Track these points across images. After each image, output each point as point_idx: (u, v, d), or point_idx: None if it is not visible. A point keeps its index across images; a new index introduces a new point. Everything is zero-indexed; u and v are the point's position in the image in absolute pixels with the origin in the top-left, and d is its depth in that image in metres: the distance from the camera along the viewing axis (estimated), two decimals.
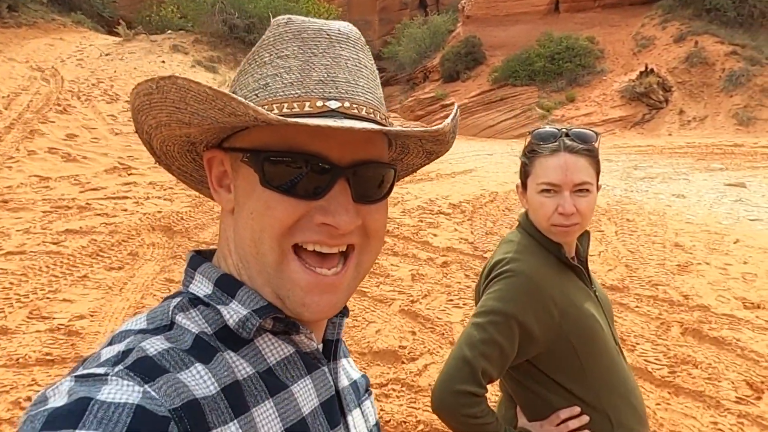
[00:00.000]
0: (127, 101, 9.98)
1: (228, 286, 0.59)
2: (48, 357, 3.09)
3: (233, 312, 0.57)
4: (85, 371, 0.49)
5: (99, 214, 5.56)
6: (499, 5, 24.29)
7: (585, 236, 1.42)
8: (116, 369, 0.49)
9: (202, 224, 5.53)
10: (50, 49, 13.37)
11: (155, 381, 0.48)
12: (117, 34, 15.55)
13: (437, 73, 24.67)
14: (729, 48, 17.54)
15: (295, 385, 0.60)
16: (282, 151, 0.56)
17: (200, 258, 0.63)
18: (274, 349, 0.60)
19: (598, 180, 1.32)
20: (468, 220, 6.29)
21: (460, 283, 4.43)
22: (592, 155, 1.29)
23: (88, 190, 6.36)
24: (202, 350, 0.54)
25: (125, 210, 5.78)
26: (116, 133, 8.65)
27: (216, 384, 0.53)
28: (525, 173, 1.34)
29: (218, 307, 0.58)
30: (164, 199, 6.32)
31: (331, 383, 0.65)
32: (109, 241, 4.86)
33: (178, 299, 0.58)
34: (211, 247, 0.68)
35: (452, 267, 4.77)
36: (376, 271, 4.51)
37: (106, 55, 13.22)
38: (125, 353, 0.51)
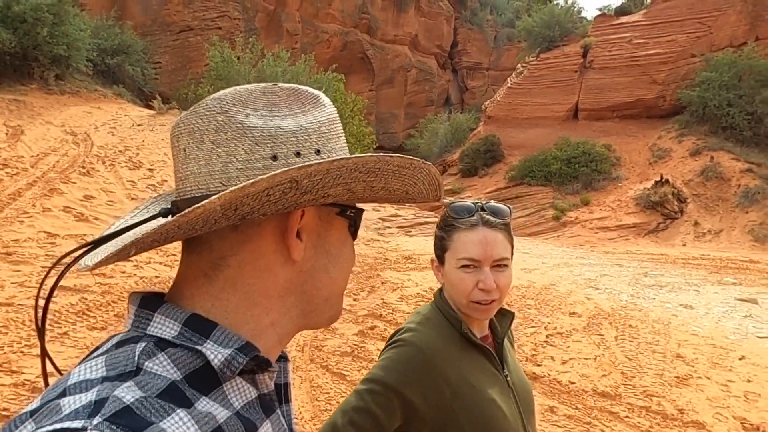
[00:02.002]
0: (149, 169, 10.35)
1: (200, 326, 0.57)
2: (4, 412, 3.01)
3: (217, 351, 0.55)
4: (58, 426, 0.45)
5: (96, 274, 5.59)
6: (520, 108, 25.23)
7: (507, 316, 1.36)
8: (95, 421, 0.45)
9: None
10: (87, 116, 14.10)
11: None
12: (153, 108, 16.41)
13: (456, 167, 25.27)
14: (744, 165, 17.77)
15: (260, 428, 0.59)
16: (361, 209, 0.68)
17: (155, 298, 0.60)
18: (239, 392, 0.58)
19: (512, 255, 1.30)
20: None
21: None
22: (508, 230, 1.28)
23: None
24: (176, 397, 0.51)
25: (123, 272, 5.82)
26: (132, 198, 8.89)
27: (200, 431, 0.51)
28: (442, 248, 1.30)
29: (197, 347, 0.55)
30: (164, 265, 6.36)
31: (286, 426, 0.66)
32: (99, 301, 4.86)
33: (143, 344, 0.54)
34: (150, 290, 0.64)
35: None
36: (360, 355, 4.40)
37: (138, 125, 13.87)
38: (98, 403, 0.47)
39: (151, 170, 10.32)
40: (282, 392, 0.69)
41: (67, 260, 0.61)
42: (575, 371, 4.59)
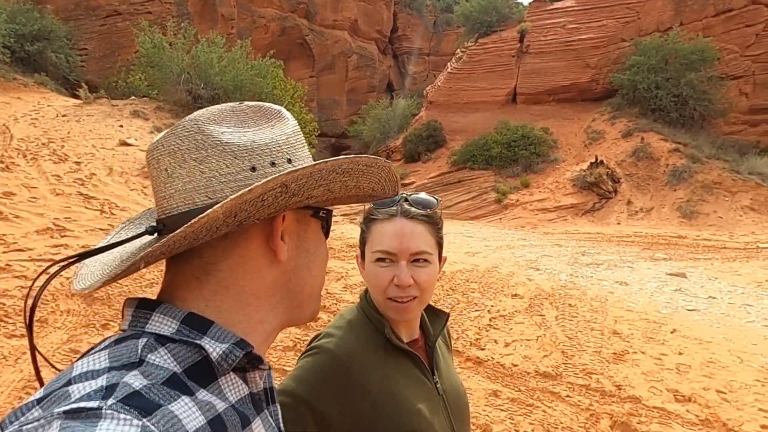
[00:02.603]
0: (76, 162, 9.78)
1: (197, 323, 0.61)
2: None
3: (215, 345, 0.59)
4: (74, 406, 0.48)
5: (17, 277, 5.22)
6: (461, 93, 25.48)
7: (441, 317, 1.26)
8: (109, 402, 0.48)
9: (127, 292, 5.24)
10: (5, 106, 13.18)
11: (152, 415, 0.49)
12: (79, 97, 15.52)
13: (399, 153, 25.31)
14: (672, 145, 18.62)
15: (253, 423, 0.63)
16: (331, 209, 0.76)
17: (152, 300, 0.63)
18: (234, 388, 0.62)
19: (441, 251, 1.19)
20: None
21: None
22: (432, 222, 1.16)
23: (13, 250, 6.01)
24: (179, 386, 0.55)
25: (48, 273, 5.45)
26: (57, 194, 8.36)
27: (203, 416, 0.55)
28: (362, 241, 1.20)
29: (197, 341, 0.59)
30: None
31: (274, 425, 0.69)
32: (20, 305, 4.53)
33: (144, 339, 0.58)
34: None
35: None
36: (303, 348, 4.29)
37: (63, 116, 13.08)
38: (110, 388, 0.50)
39: (78, 163, 9.75)
40: (268, 395, 0.72)
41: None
42: (518, 353, 4.65)
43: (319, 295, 0.76)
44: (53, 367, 0.67)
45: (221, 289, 0.64)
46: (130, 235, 0.69)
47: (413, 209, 1.14)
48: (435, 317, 1.26)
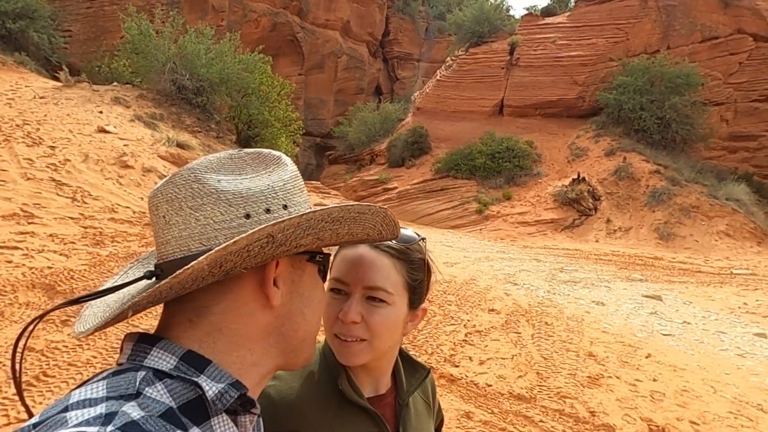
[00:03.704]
0: (50, 146, 9.47)
1: (196, 361, 0.62)
2: None
3: (211, 384, 0.60)
4: (73, 430, 0.50)
5: None
6: (449, 101, 25.50)
7: (418, 372, 1.11)
8: (108, 429, 0.50)
9: (93, 286, 5.03)
10: None
11: None
12: (59, 79, 15.11)
13: (384, 157, 25.22)
14: (653, 167, 18.83)
15: None
16: (328, 253, 0.77)
17: (153, 335, 0.65)
18: (225, 429, 0.62)
19: (414, 297, 1.02)
20: None
21: None
22: (404, 259, 1.00)
23: None
24: (175, 421, 0.56)
25: (9, 262, 5.22)
26: (28, 178, 8.07)
27: None
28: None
29: (194, 378, 0.59)
30: (60, 254, 5.78)
31: None
32: None
33: (143, 372, 0.59)
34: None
35: None
36: None
37: (41, 98, 12.70)
38: (109, 415, 0.52)
39: (52, 147, 9.45)
40: None
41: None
42: (492, 372, 4.56)
43: (314, 340, 0.76)
44: (27, 410, 0.65)
45: (214, 332, 0.64)
46: (134, 277, 0.69)
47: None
48: (413, 370, 1.11)
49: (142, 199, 8.69)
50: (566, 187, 18.38)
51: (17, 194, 7.41)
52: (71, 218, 7.13)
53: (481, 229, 18.10)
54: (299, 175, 0.73)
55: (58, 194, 7.81)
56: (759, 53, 23.92)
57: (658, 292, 9.43)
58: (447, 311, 6.29)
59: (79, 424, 0.51)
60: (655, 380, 4.85)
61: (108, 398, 0.55)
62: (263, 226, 0.60)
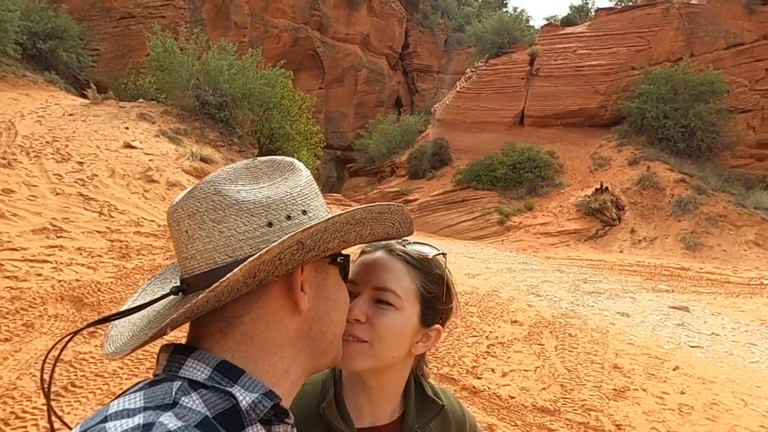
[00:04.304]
0: (78, 162, 9.72)
1: (229, 371, 0.62)
2: None
3: (245, 394, 0.61)
4: None
5: (8, 277, 5.11)
6: (469, 113, 25.48)
7: (430, 407, 1.02)
8: None
9: (120, 299, 5.12)
10: (13, 103, 13.17)
11: None
12: (87, 97, 15.52)
13: (404, 169, 25.26)
14: (678, 176, 18.52)
15: None
16: (348, 255, 0.77)
17: (187, 346, 0.65)
18: None
19: (424, 308, 0.96)
20: None
21: None
22: (419, 268, 0.96)
23: (6, 249, 5.91)
24: (211, 429, 0.56)
25: (39, 275, 5.35)
26: (57, 193, 8.29)
27: None
28: None
29: (228, 389, 0.60)
30: (88, 267, 5.91)
31: None
32: (7, 308, 4.41)
33: (179, 382, 0.60)
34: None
35: None
36: None
37: (69, 115, 13.05)
38: (146, 426, 0.53)
39: (80, 163, 9.69)
40: None
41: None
42: (515, 384, 4.51)
43: (341, 340, 0.77)
44: (66, 426, 0.68)
45: (246, 341, 0.65)
46: (156, 295, 0.71)
47: (398, 246, 0.97)
48: (424, 404, 1.02)
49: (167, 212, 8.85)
50: (589, 197, 18.17)
51: (47, 209, 7.61)
52: (98, 232, 7.28)
53: (502, 240, 17.97)
54: (313, 179, 0.74)
55: (85, 208, 8.00)
56: None
57: (685, 303, 9.24)
58: (469, 323, 6.25)
59: None
60: (683, 393, 4.74)
61: (146, 408, 0.56)
62: (293, 233, 0.62)
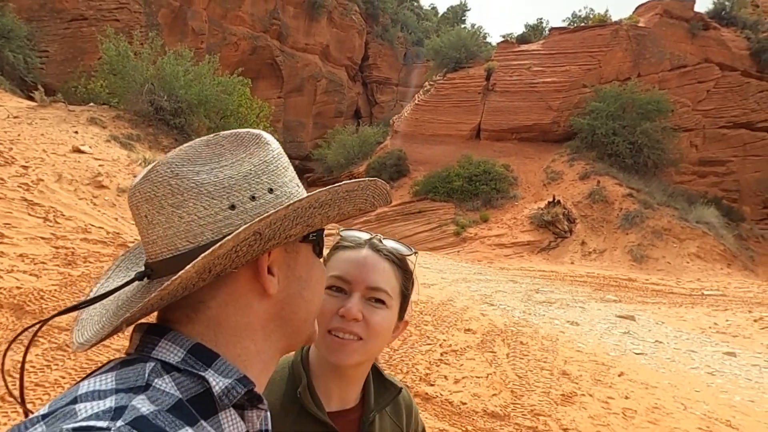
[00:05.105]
0: (23, 166, 9.33)
1: (203, 355, 0.60)
2: None
3: (219, 379, 0.59)
4: (83, 424, 0.49)
5: None
6: (427, 125, 25.82)
7: (389, 390, 1.08)
8: (118, 424, 0.49)
9: (64, 306, 4.94)
10: None
11: None
12: (34, 99, 14.96)
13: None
14: (626, 190, 19.25)
15: None
16: (320, 228, 0.72)
17: (161, 326, 0.63)
18: (232, 424, 0.60)
19: (403, 304, 1.04)
20: None
21: None
22: (401, 266, 1.03)
23: None
24: (184, 414, 0.55)
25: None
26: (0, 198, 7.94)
27: None
28: None
29: (202, 373, 0.58)
30: (30, 274, 5.67)
31: None
32: None
33: (152, 364, 0.58)
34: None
35: None
36: None
37: (14, 117, 12.56)
38: (118, 409, 0.51)
39: (25, 167, 9.30)
40: None
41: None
42: (467, 390, 4.58)
43: (315, 318, 0.74)
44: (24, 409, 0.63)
45: (214, 325, 0.63)
46: (123, 280, 0.68)
47: (382, 246, 1.03)
48: (383, 389, 1.08)
49: (116, 219, 8.59)
50: (542, 209, 18.65)
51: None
52: (42, 238, 7.00)
53: (458, 251, 18.21)
54: (282, 152, 0.70)
55: (29, 214, 7.67)
56: (725, 82, 24.82)
57: (631, 313, 9.58)
58: (423, 331, 6.30)
59: (89, 418, 0.50)
60: (627, 398, 4.91)
61: (117, 390, 0.54)
62: (248, 224, 0.58)
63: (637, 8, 27.10)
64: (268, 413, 0.69)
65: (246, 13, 29.46)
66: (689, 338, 8.15)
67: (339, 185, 0.67)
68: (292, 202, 0.62)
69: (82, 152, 10.93)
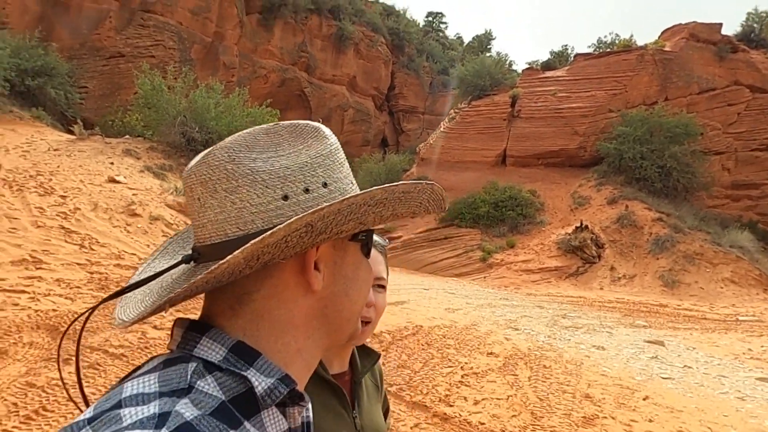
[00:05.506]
0: (61, 195, 9.77)
1: (245, 354, 0.60)
2: None
3: (261, 379, 0.58)
4: None
5: None
6: (452, 152, 25.98)
7: (372, 357, 1.30)
8: (162, 431, 0.49)
9: (96, 327, 5.15)
10: None
11: None
12: (73, 133, 15.66)
13: None
14: (656, 214, 18.94)
15: None
16: (370, 229, 0.71)
17: (202, 323, 0.63)
18: (275, 422, 0.61)
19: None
20: (383, 350, 6.09)
21: None
22: (385, 255, 1.27)
23: None
24: (227, 417, 0.55)
25: (16, 304, 5.37)
26: (39, 226, 8.32)
27: None
28: None
29: (244, 372, 0.58)
30: (65, 298, 5.93)
31: None
32: None
33: (194, 364, 0.58)
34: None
35: None
36: None
37: (55, 150, 13.16)
38: (162, 416, 0.51)
39: (63, 197, 9.75)
40: (304, 429, 0.70)
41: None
42: (486, 411, 4.59)
43: (359, 317, 0.73)
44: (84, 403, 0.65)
45: (257, 319, 0.63)
46: (171, 263, 0.69)
47: (377, 242, 1.22)
48: (366, 355, 1.29)
49: (148, 246, 8.89)
50: (569, 235, 18.47)
51: (27, 241, 7.64)
52: (78, 264, 7.31)
53: (485, 277, 18.10)
54: (339, 147, 0.71)
55: (66, 241, 8.03)
56: (756, 104, 24.42)
57: (661, 338, 9.38)
58: (445, 354, 6.32)
59: (134, 425, 0.50)
60: (650, 421, 4.84)
61: (161, 394, 0.54)
62: (302, 215, 0.58)
63: (662, 33, 27.06)
64: (310, 409, 0.69)
65: (275, 47, 30.42)
66: (721, 364, 7.94)
67: (396, 185, 0.66)
68: (347, 197, 0.61)
69: (117, 182, 11.39)
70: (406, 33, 41.31)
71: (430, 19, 50.22)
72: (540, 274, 17.45)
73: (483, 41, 45.56)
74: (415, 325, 7.71)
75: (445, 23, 51.65)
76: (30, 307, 5.39)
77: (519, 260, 18.39)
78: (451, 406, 4.64)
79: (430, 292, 12.28)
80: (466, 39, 50.35)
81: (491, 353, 6.63)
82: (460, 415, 4.45)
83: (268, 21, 30.23)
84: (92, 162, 12.81)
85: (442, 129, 27.72)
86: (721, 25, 25.86)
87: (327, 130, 0.70)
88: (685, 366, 7.42)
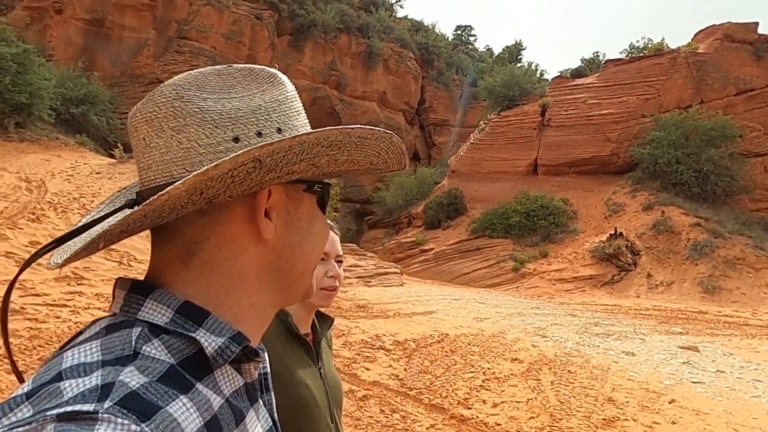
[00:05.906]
0: None
1: (193, 314, 0.57)
2: None
3: (211, 339, 0.56)
4: (69, 408, 0.44)
5: (29, 319, 5.48)
6: (483, 163, 25.96)
7: (327, 321, 1.55)
8: (105, 405, 0.45)
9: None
10: (44, 163, 14.01)
11: (151, 419, 0.46)
12: (114, 157, 16.41)
13: (420, 219, 25.60)
14: (693, 220, 18.47)
15: (247, 416, 0.61)
16: (328, 183, 0.69)
17: (145, 284, 0.59)
18: (229, 380, 0.59)
19: None
20: (406, 357, 6.20)
21: (372, 417, 4.28)
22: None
23: (30, 295, 6.31)
24: (178, 382, 0.52)
25: (58, 317, 5.71)
26: None
27: (200, 417, 0.52)
28: None
29: (192, 333, 0.55)
30: (103, 311, 6.26)
31: (268, 415, 0.68)
32: (26, 345, 4.76)
33: (138, 329, 0.54)
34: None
35: (370, 401, 4.63)
36: None
37: (97, 173, 13.82)
38: (105, 387, 0.47)
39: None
40: (262, 382, 0.70)
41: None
42: (504, 413, 4.64)
43: (312, 273, 0.70)
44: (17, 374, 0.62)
45: (206, 271, 0.59)
46: (113, 208, 0.64)
47: (333, 225, 1.44)
48: (323, 320, 1.55)
49: None
50: (603, 242, 18.18)
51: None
52: None
53: (517, 287, 17.96)
54: (297, 96, 0.67)
55: (106, 258, 8.45)
56: None
57: (696, 344, 9.17)
58: (468, 360, 6.38)
59: (75, 399, 0.45)
60: (674, 423, 4.80)
61: (104, 363, 0.50)
62: (249, 148, 0.54)
63: (695, 35, 26.56)
64: (267, 363, 0.68)
65: (306, 67, 31.14)
66: (758, 369, 7.72)
67: (351, 127, 0.62)
68: (299, 134, 0.58)
69: None
70: (434, 47, 41.61)
71: (459, 32, 50.47)
72: (574, 283, 17.22)
73: (513, 52, 45.44)
74: (441, 333, 7.78)
75: (474, 36, 51.84)
76: (70, 320, 5.73)
77: (552, 269, 18.19)
78: (469, 408, 4.71)
79: (460, 302, 12.29)
80: (497, 50, 50.26)
81: (515, 359, 6.65)
82: (477, 416, 4.52)
83: (299, 42, 31.03)
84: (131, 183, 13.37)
85: (472, 140, 27.75)
86: (757, 24, 25.23)
87: (284, 78, 0.66)
88: (717, 371, 7.26)
